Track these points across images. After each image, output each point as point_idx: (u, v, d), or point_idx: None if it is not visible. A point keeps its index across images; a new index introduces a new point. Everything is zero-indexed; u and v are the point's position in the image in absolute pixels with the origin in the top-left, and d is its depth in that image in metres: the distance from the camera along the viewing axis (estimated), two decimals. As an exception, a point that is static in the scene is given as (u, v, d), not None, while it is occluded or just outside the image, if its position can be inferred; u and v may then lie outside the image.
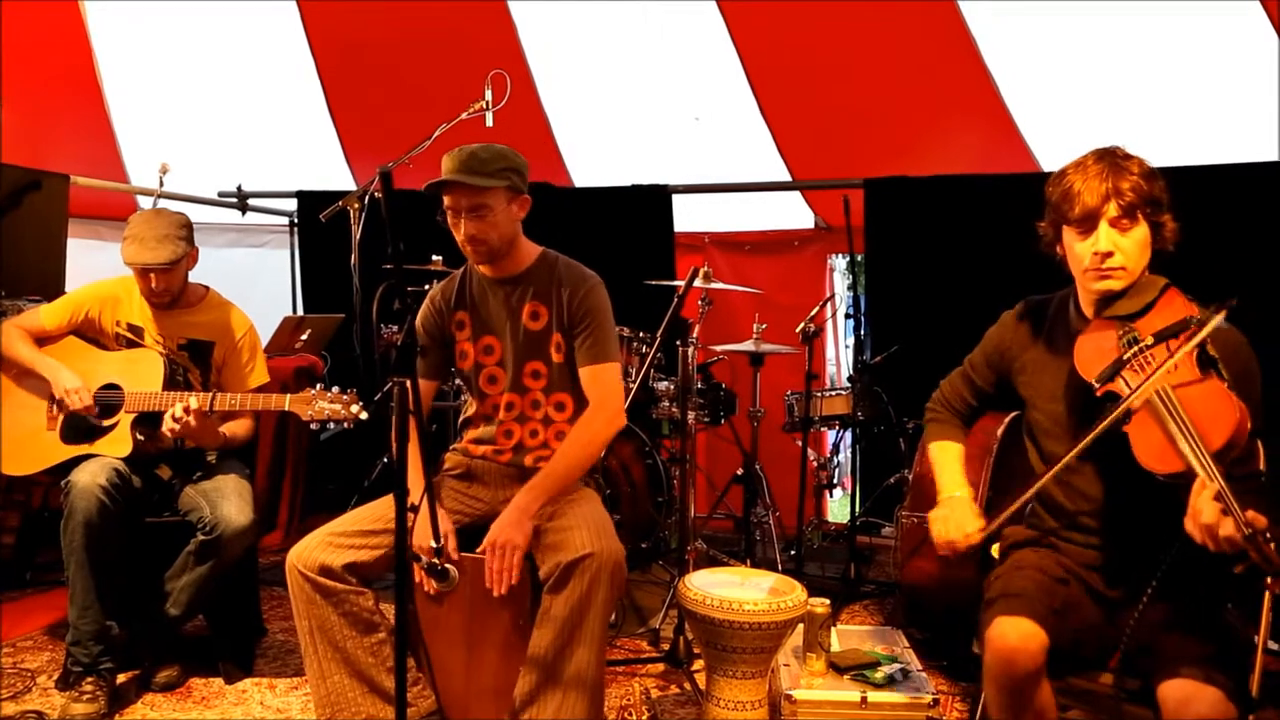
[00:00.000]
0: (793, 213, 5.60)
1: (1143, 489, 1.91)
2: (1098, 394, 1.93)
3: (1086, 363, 1.99)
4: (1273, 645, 3.01)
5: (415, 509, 2.35)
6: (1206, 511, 1.66)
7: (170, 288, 3.07)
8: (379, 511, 2.47)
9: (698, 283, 3.94)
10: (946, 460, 2.32)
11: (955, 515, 2.12)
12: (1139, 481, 1.88)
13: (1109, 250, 1.97)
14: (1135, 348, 1.92)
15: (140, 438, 2.98)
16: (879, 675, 2.55)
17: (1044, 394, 2.15)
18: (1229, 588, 2.01)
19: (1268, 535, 1.60)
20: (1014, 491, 2.27)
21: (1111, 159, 1.99)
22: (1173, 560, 1.91)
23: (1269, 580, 1.60)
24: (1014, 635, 1.84)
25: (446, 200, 2.51)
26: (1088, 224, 1.98)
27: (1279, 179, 4.00)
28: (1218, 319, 1.83)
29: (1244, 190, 4.03)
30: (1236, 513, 1.63)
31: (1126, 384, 1.90)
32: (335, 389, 2.81)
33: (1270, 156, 4.06)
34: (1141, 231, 1.98)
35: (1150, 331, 1.93)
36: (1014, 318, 2.28)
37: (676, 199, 5.22)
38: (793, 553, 4.19)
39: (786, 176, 5.37)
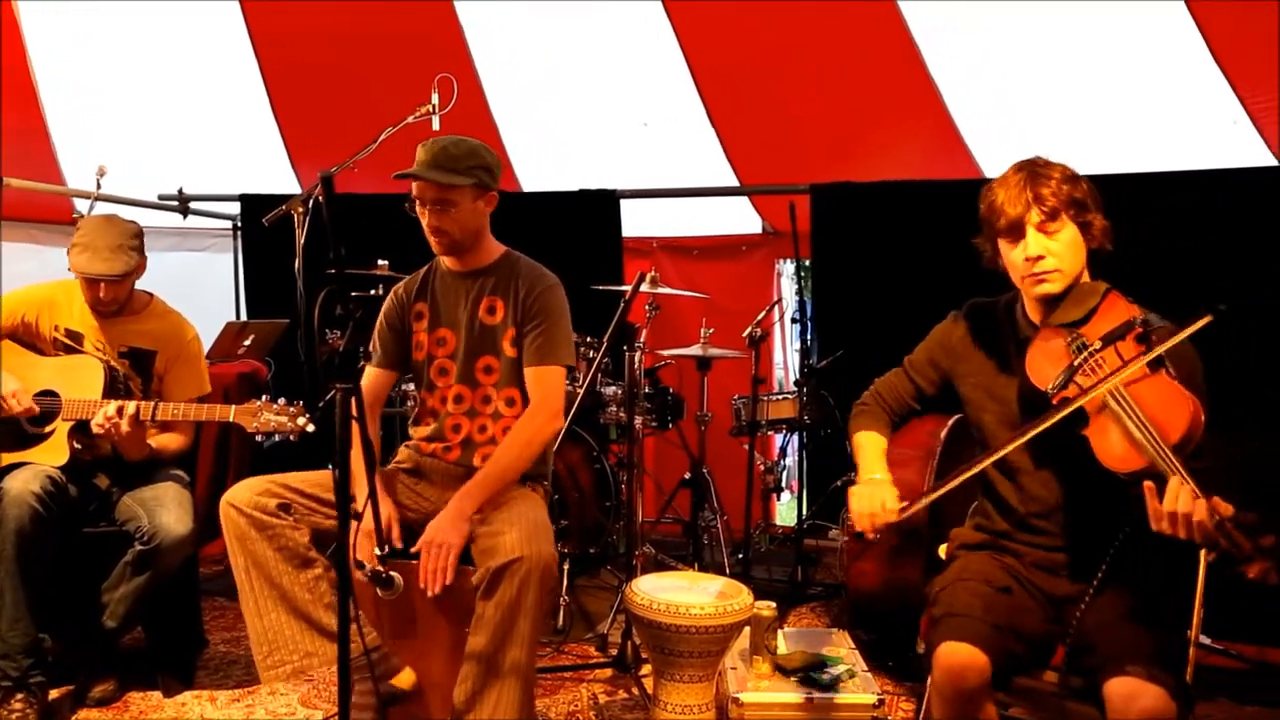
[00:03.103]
0: (740, 218, 5.63)
1: (1095, 490, 1.97)
2: (1054, 401, 1.97)
3: (1039, 372, 2.03)
4: (1205, 640, 3.09)
5: (359, 516, 2.34)
6: (1181, 502, 1.70)
7: (118, 297, 3.02)
8: (320, 479, 2.49)
9: (645, 287, 3.95)
10: (870, 448, 2.32)
11: (877, 491, 2.14)
12: (1091, 483, 1.94)
13: (1039, 254, 2.02)
14: (1084, 353, 1.97)
15: (77, 446, 2.91)
16: (825, 677, 2.57)
17: (992, 397, 2.18)
18: (1173, 583, 2.06)
19: (1235, 521, 1.65)
20: (955, 492, 2.30)
21: (1031, 168, 2.05)
22: (1117, 554, 1.95)
23: (1240, 568, 1.64)
24: (962, 655, 1.89)
25: (414, 189, 2.55)
26: (1015, 233, 2.04)
27: (1220, 185, 4.09)
28: (1177, 339, 1.87)
29: (1189, 195, 4.11)
30: (1205, 501, 1.67)
31: (1080, 389, 1.94)
32: (281, 400, 2.77)
33: (1209, 164, 4.15)
34: (1069, 232, 2.03)
35: (1096, 336, 1.98)
36: (960, 319, 2.30)
37: (625, 204, 5.21)
38: (740, 556, 4.20)
39: (734, 182, 5.40)
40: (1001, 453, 2.03)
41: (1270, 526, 1.63)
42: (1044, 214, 2.00)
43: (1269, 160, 4.29)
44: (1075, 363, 1.97)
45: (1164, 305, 2.02)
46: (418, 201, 2.56)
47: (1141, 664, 1.79)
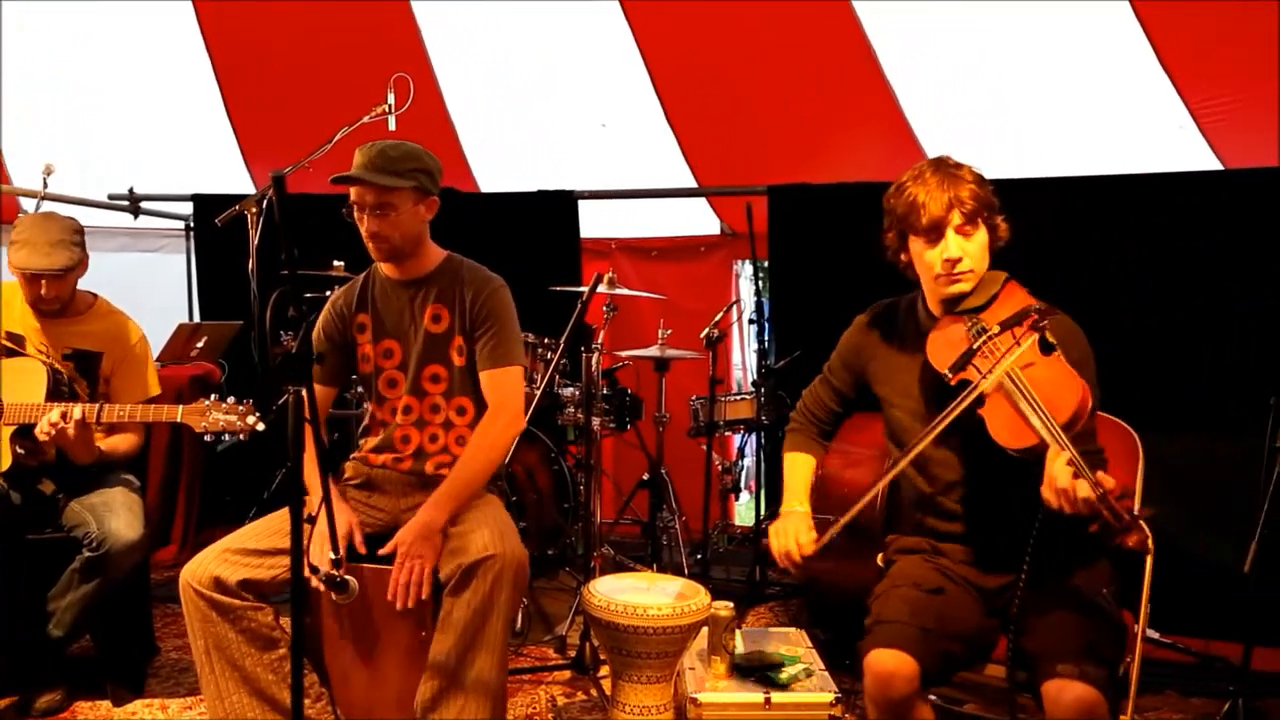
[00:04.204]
0: (699, 219, 5.65)
1: (997, 469, 2.02)
2: (952, 383, 2.02)
3: (938, 355, 2.08)
4: (1153, 634, 3.15)
5: (313, 520, 2.31)
6: (1061, 476, 1.77)
7: (60, 295, 2.95)
8: (275, 526, 2.41)
9: (602, 288, 3.95)
10: (796, 473, 2.39)
11: (791, 526, 2.20)
12: (994, 463, 1.99)
13: (959, 256, 2.08)
14: (983, 337, 2.03)
15: (20, 451, 2.85)
16: (783, 676, 2.57)
17: (900, 392, 2.23)
18: (1101, 571, 2.10)
19: (1118, 495, 1.72)
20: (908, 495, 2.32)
21: (946, 169, 2.11)
22: (1039, 542, 1.98)
23: (1119, 538, 1.71)
24: (890, 662, 1.92)
25: (353, 194, 2.49)
26: (935, 233, 2.09)
27: (1171, 188, 4.17)
28: (1051, 321, 1.98)
29: (1139, 198, 4.19)
30: (1088, 475, 1.74)
31: (978, 370, 2.00)
32: (230, 399, 2.72)
33: (1157, 168, 4.24)
34: (983, 235, 2.10)
35: (995, 321, 2.04)
36: (865, 321, 2.37)
37: (583, 204, 5.21)
38: (699, 556, 4.22)
39: (692, 183, 5.41)
40: (913, 453, 2.07)
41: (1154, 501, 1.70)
42: (964, 216, 2.06)
43: (1215, 164, 4.39)
44: (974, 346, 2.03)
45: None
46: (356, 207, 2.49)
47: (1072, 662, 1.84)
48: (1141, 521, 1.70)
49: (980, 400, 1.98)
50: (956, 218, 2.06)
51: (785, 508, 2.29)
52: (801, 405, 2.50)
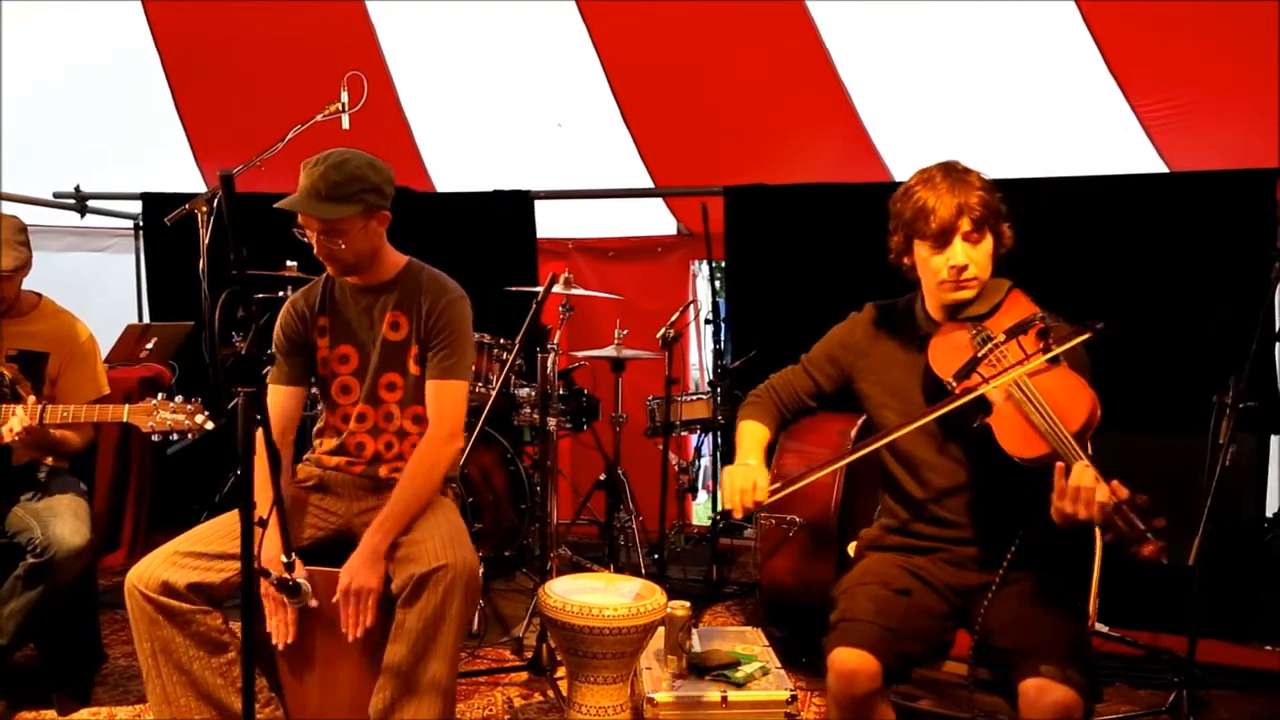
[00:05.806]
0: (656, 219, 5.65)
1: (994, 479, 2.03)
2: (956, 391, 2.02)
3: (941, 362, 2.08)
4: (1102, 628, 3.21)
5: (264, 523, 2.28)
6: (1085, 480, 1.76)
7: (7, 296, 2.89)
8: (225, 529, 2.37)
9: (558, 288, 3.94)
10: (750, 436, 2.33)
11: (749, 473, 2.14)
12: (991, 472, 2.00)
13: (964, 264, 2.06)
14: (989, 345, 2.03)
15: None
16: (739, 675, 2.59)
17: (891, 391, 2.22)
18: (1079, 573, 2.13)
19: (1131, 504, 1.72)
20: (865, 491, 2.34)
21: (956, 174, 2.09)
22: (1023, 544, 2.00)
23: (1135, 548, 1.70)
24: (853, 661, 1.92)
25: (300, 216, 2.44)
26: (943, 240, 2.07)
27: (1118, 190, 4.26)
28: (1080, 339, 1.98)
29: (1087, 200, 4.26)
30: (1104, 482, 1.74)
31: (983, 378, 2.01)
32: (179, 398, 2.67)
33: (1106, 169, 4.32)
34: (989, 242, 2.09)
35: (1000, 329, 2.04)
36: (862, 319, 2.35)
37: (540, 204, 5.20)
38: (656, 556, 4.22)
39: (649, 183, 5.41)
40: (892, 436, 2.08)
41: (1160, 510, 1.71)
42: (973, 223, 2.04)
43: (1161, 167, 4.48)
44: (979, 354, 2.03)
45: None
46: (306, 228, 2.45)
47: (1055, 664, 1.84)
48: (1155, 531, 1.69)
49: (987, 408, 1.98)
50: (965, 224, 2.04)
51: (740, 459, 2.23)
52: (768, 386, 2.43)
